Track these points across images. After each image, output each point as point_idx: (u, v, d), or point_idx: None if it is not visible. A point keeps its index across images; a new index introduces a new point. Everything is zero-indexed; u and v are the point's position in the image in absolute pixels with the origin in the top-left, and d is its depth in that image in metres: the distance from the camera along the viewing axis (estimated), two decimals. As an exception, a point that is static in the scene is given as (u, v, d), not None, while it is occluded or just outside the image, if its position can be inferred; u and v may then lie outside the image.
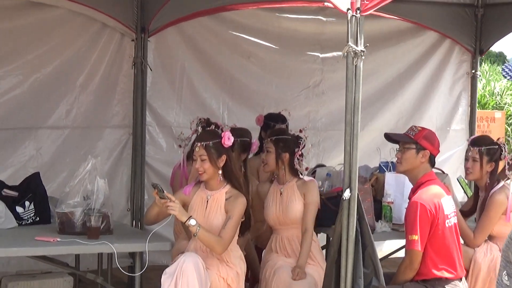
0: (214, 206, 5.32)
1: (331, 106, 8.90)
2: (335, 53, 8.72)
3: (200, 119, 6.85)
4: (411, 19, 8.86)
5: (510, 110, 19.65)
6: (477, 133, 9.68)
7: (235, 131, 6.31)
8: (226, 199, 5.32)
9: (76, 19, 7.63)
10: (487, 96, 20.13)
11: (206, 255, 5.25)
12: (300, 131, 6.08)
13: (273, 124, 7.25)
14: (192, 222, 5.03)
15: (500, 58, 34.14)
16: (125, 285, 7.10)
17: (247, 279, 6.94)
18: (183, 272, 4.99)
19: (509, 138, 8.35)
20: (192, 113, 8.07)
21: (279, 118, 7.36)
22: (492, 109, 19.02)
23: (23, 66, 7.46)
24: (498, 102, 20.12)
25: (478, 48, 9.24)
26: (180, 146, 6.76)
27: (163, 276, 5.07)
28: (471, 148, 6.04)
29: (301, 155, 5.96)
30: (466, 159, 6.08)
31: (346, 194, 4.86)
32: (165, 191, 5.03)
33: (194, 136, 6.54)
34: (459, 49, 9.34)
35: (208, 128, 5.85)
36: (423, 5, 8.84)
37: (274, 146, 5.90)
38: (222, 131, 6.45)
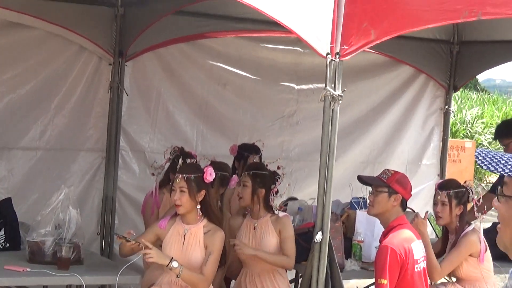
0: (192, 240, 5.33)
1: (305, 137, 8.93)
2: (311, 85, 8.77)
3: (174, 148, 6.86)
4: (387, 53, 8.91)
5: (480, 139, 19.84)
6: (447, 163, 9.78)
7: (215, 164, 6.33)
8: (204, 233, 5.34)
9: (53, 40, 7.58)
10: (458, 124, 20.32)
11: None
12: (278, 168, 6.11)
13: (246, 154, 7.29)
14: (175, 264, 5.07)
15: (472, 83, 34.39)
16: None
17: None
18: None
19: (475, 180, 8.44)
20: (166, 139, 8.09)
21: (253, 149, 7.39)
22: (463, 138, 19.20)
23: (-2, 86, 7.42)
24: (469, 131, 20.31)
25: (452, 84, 9.32)
26: (153, 174, 6.77)
27: None
28: (440, 192, 6.10)
29: (277, 191, 5.98)
30: (435, 204, 6.14)
31: (318, 237, 4.91)
32: (130, 236, 5.21)
33: (167, 164, 6.55)
34: (433, 84, 9.41)
35: (189, 161, 5.85)
36: (399, 39, 8.87)
37: (251, 181, 5.90)
38: (196, 161, 6.48)
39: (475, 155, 2.23)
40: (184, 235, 5.35)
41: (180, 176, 5.31)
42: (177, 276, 5.08)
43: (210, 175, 5.34)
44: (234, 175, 6.62)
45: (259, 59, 8.64)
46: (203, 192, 5.32)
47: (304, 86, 8.82)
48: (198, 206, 5.33)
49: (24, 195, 7.40)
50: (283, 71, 8.76)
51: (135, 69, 7.97)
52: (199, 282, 5.19)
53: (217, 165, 6.34)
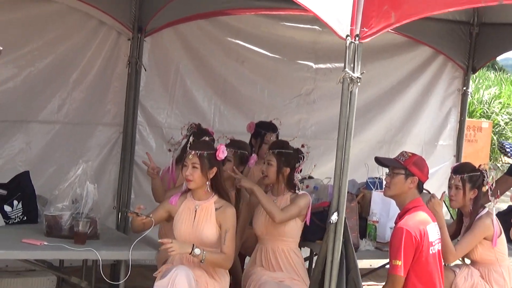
0: (203, 216, 5.37)
1: (322, 115, 8.94)
2: (329, 63, 8.77)
3: (191, 124, 6.88)
4: (406, 34, 8.89)
5: (497, 120, 19.75)
6: (464, 143, 9.78)
7: (234, 142, 6.38)
8: (216, 209, 5.37)
9: (73, 15, 7.58)
10: (475, 103, 20.23)
11: (194, 267, 5.30)
12: (302, 146, 6.11)
13: (263, 132, 7.29)
14: (197, 251, 5.12)
15: (490, 62, 34.04)
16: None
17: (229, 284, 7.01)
18: (175, 286, 5.03)
19: (490, 165, 8.42)
20: (183, 115, 8.11)
21: (270, 126, 7.39)
22: (479, 118, 19.12)
23: (18, 59, 7.41)
24: (485, 111, 20.22)
25: (471, 66, 9.30)
26: (169, 150, 6.79)
27: None
28: (454, 176, 6.11)
29: (301, 170, 6.00)
30: (449, 187, 6.15)
31: (334, 217, 4.92)
32: (140, 211, 5.29)
33: (184, 141, 6.57)
34: (451, 65, 9.39)
35: (203, 139, 5.87)
36: (419, 20, 8.77)
37: (276, 160, 5.91)
38: (213, 137, 6.52)
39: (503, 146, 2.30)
40: (195, 211, 5.38)
41: (193, 152, 5.34)
42: (201, 261, 5.13)
43: (222, 153, 5.36)
44: (253, 154, 6.64)
45: (277, 37, 8.63)
46: (214, 169, 5.36)
47: (322, 65, 8.82)
48: (208, 183, 5.36)
49: (41, 168, 7.44)
50: (301, 49, 8.75)
51: (153, 45, 7.98)
52: (222, 262, 5.27)
53: (236, 144, 6.38)
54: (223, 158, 5.41)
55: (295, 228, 5.88)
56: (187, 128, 6.80)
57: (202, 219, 5.36)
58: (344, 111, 4.90)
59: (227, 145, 6.31)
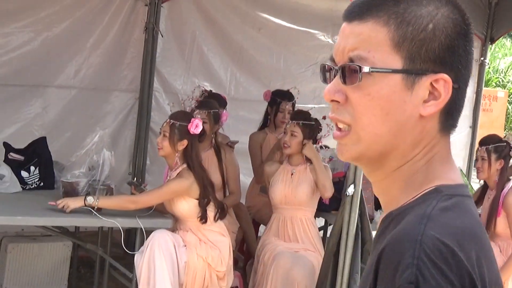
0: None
1: (338, 84, 8.91)
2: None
3: (202, 89, 6.91)
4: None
5: (512, 89, 19.67)
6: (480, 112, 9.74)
7: (204, 104, 6.40)
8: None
9: (91, -21, 7.60)
10: (491, 73, 20.13)
11: (184, 233, 5.37)
12: (324, 117, 6.09)
13: (279, 100, 7.27)
14: (89, 199, 5.19)
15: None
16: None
17: (242, 252, 7.05)
18: (149, 249, 5.09)
19: (506, 129, 8.38)
20: (200, 82, 8.10)
21: (286, 95, 7.37)
22: (495, 87, 19.05)
23: (35, 24, 7.40)
24: (501, 80, 20.13)
25: (489, 36, 9.22)
26: None
27: (136, 255, 5.18)
28: (479, 148, 6.16)
29: (321, 143, 6.01)
30: (476, 159, 6.19)
31: (350, 190, 4.92)
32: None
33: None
34: (469, 35, 9.32)
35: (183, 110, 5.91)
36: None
37: (302, 131, 5.90)
38: (225, 101, 6.53)
39: None
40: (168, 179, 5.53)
41: (168, 120, 5.36)
42: (93, 208, 5.18)
43: (195, 127, 5.31)
44: (224, 111, 6.60)
45: (294, 5, 8.58)
46: (184, 142, 5.35)
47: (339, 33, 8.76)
48: (177, 154, 5.37)
49: (57, 133, 7.45)
50: (318, 17, 8.71)
51: (171, 11, 7.96)
52: (123, 203, 5.39)
53: (206, 104, 6.36)
54: (197, 133, 5.36)
55: (314, 198, 5.90)
56: (200, 93, 6.81)
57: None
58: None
59: (197, 107, 6.31)
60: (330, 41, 8.79)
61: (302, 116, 6.05)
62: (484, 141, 6.20)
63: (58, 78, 7.61)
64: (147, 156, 7.94)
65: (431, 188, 1.37)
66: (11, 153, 5.95)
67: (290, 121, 6.06)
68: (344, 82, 1.38)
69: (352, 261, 4.96)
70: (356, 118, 1.37)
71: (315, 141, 5.94)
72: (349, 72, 1.37)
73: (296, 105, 7.18)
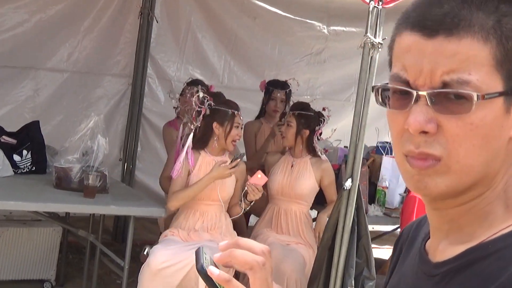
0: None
1: (331, 75, 8.88)
2: (341, 23, 8.67)
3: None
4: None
5: None
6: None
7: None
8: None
9: (87, -38, 7.52)
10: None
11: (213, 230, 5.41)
12: (323, 109, 6.05)
13: (271, 89, 7.19)
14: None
15: None
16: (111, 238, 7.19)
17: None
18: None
19: None
20: (193, 69, 8.06)
21: (278, 83, 7.28)
22: None
23: (29, 5, 7.33)
24: None
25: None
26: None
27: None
28: None
29: (321, 133, 5.96)
30: None
31: (348, 184, 4.89)
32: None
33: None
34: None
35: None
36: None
37: (296, 121, 5.86)
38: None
39: None
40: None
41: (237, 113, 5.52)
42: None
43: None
44: None
45: (291, -6, 8.54)
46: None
47: (334, 25, 8.73)
48: None
49: (48, 116, 7.40)
50: (315, 8, 8.65)
51: (166, -4, 7.90)
52: None
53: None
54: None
55: (312, 192, 5.85)
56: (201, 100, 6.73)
57: None
58: (363, 77, 4.85)
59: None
60: (326, 32, 8.74)
61: (299, 107, 6.01)
62: None
63: (50, 60, 7.56)
64: (138, 142, 7.87)
65: None
66: (3, 136, 5.86)
67: (288, 112, 6.02)
68: (441, 110, 1.17)
69: (347, 255, 4.93)
70: (452, 150, 1.17)
71: (314, 132, 5.88)
72: (448, 99, 1.16)
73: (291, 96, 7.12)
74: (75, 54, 7.62)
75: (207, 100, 5.44)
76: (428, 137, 1.18)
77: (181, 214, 5.51)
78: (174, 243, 5.22)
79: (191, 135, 5.45)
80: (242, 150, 6.87)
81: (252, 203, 5.43)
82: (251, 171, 6.86)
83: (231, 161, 5.34)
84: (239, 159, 5.33)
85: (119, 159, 7.85)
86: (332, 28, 8.73)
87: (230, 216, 5.59)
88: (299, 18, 8.59)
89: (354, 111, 4.93)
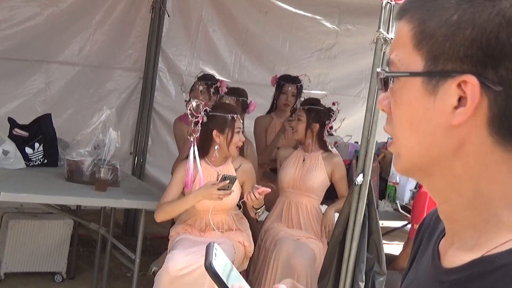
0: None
1: (341, 71, 8.88)
2: (351, 19, 8.66)
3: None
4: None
5: None
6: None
7: (234, 90, 6.36)
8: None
9: (99, -44, 7.53)
10: None
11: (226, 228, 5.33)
12: (333, 103, 6.06)
13: (282, 83, 7.21)
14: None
15: None
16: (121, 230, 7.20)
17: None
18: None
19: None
20: (204, 63, 8.06)
21: (289, 78, 7.29)
22: None
23: (41, -2, 7.37)
24: None
25: None
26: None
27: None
28: None
29: (331, 127, 5.97)
30: None
31: (359, 179, 4.89)
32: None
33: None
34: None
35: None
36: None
37: (306, 116, 5.88)
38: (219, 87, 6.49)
39: None
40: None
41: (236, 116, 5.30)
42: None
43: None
44: (252, 101, 6.56)
45: (302, -11, 8.53)
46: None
47: (345, 20, 8.71)
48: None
49: (59, 109, 7.39)
50: (326, 3, 8.64)
51: (178, -9, 7.91)
52: None
53: (236, 91, 6.35)
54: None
55: (323, 186, 5.86)
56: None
57: None
58: (375, 72, 4.81)
59: (226, 93, 6.30)
60: (336, 28, 8.73)
61: (309, 102, 6.04)
62: None
63: (62, 54, 7.57)
64: (149, 136, 7.88)
65: None
66: (15, 129, 5.88)
67: (298, 107, 6.05)
68: (386, 90, 1.21)
69: (358, 250, 4.93)
70: (393, 127, 1.20)
71: (324, 127, 5.89)
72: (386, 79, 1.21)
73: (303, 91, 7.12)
74: (86, 47, 7.63)
75: (203, 107, 5.21)
76: (388, 115, 1.22)
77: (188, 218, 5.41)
78: (190, 244, 5.12)
79: (194, 148, 5.18)
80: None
81: (260, 209, 5.21)
82: (261, 166, 6.90)
83: (220, 180, 4.97)
84: (227, 181, 4.93)
85: (129, 153, 7.86)
86: (343, 23, 8.72)
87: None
88: (310, 14, 8.58)
89: (366, 106, 4.94)
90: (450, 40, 1.10)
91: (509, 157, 1.13)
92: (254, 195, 4.97)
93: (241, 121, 5.31)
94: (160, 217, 5.13)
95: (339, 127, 6.19)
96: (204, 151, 5.21)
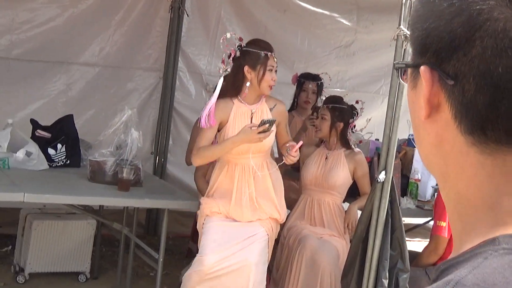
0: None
1: (360, 68, 8.88)
2: (370, 16, 8.66)
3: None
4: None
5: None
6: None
7: None
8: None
9: (117, -42, 7.56)
10: None
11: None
12: (357, 102, 6.06)
13: (302, 80, 7.21)
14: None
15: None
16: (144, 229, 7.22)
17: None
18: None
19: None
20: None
21: (309, 76, 7.29)
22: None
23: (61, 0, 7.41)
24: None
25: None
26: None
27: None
28: None
29: (354, 126, 5.97)
30: None
31: (381, 176, 4.89)
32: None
33: None
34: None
35: None
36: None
37: (330, 114, 5.88)
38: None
39: None
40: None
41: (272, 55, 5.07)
42: None
43: None
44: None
45: (320, -13, 8.53)
46: None
47: (363, 17, 8.71)
48: None
49: (80, 110, 7.42)
50: (344, 0, 8.65)
51: (197, -10, 7.92)
52: None
53: None
54: None
55: (345, 184, 5.86)
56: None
57: None
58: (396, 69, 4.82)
59: None
60: (355, 25, 8.73)
61: (332, 100, 6.04)
62: None
63: (82, 55, 7.61)
64: (169, 136, 7.91)
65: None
66: (38, 130, 5.93)
67: (322, 105, 6.05)
68: None
69: (381, 248, 4.93)
70: None
71: (348, 125, 5.90)
72: None
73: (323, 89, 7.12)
74: (106, 48, 7.67)
75: (238, 41, 5.02)
76: None
77: (216, 170, 5.20)
78: (220, 231, 5.01)
79: (221, 80, 5.03)
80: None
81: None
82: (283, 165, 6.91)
83: (259, 125, 4.76)
84: (267, 124, 4.74)
85: (150, 153, 7.89)
86: (361, 20, 8.72)
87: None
88: (328, 12, 8.59)
89: (388, 104, 4.94)
90: (421, 33, 1.07)
91: (485, 162, 1.04)
92: (292, 155, 4.89)
93: (275, 60, 5.04)
94: (197, 161, 5.07)
95: (365, 127, 6.19)
96: (236, 89, 5.01)
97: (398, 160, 6.33)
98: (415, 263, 5.27)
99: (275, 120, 4.86)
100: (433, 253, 5.23)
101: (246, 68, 4.93)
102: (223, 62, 5.02)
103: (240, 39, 5.08)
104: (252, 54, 4.96)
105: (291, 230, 5.79)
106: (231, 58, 4.97)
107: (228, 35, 5.01)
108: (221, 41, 5.01)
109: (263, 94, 5.06)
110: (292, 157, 4.90)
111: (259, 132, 4.74)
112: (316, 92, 7.00)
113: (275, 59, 5.01)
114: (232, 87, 4.99)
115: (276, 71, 5.02)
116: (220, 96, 4.98)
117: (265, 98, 5.10)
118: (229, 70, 5.00)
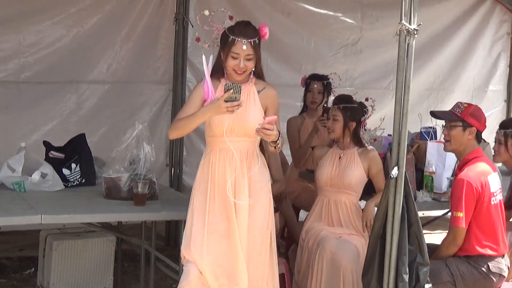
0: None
1: (368, 65, 8.89)
2: (374, 12, 8.66)
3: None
4: (452, -22, 8.78)
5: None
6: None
7: None
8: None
9: (119, -26, 7.60)
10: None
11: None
12: (366, 99, 6.05)
13: (309, 81, 7.21)
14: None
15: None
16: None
17: (283, 238, 7.03)
18: None
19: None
20: (231, 70, 8.08)
21: (315, 75, 7.29)
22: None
23: (65, 20, 7.47)
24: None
25: (520, 9, 9.16)
26: None
27: None
28: (498, 131, 6.01)
29: (365, 124, 5.98)
30: (495, 141, 6.05)
31: (394, 172, 4.88)
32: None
33: None
34: (500, 8, 9.26)
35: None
36: (466, -37, 8.76)
37: (342, 115, 5.88)
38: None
39: None
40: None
41: (246, 41, 4.73)
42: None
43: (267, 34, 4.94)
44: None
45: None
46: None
47: (368, 14, 8.72)
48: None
49: (93, 128, 7.49)
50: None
51: (200, 0, 7.92)
52: None
53: None
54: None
55: (360, 182, 5.86)
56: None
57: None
58: (401, 64, 4.81)
59: None
60: (360, 22, 8.74)
61: (342, 100, 6.01)
62: (503, 124, 6.05)
63: (91, 73, 7.67)
64: (183, 147, 7.94)
65: None
66: (51, 152, 5.96)
67: (332, 106, 6.04)
68: None
69: (399, 243, 4.92)
70: None
71: (360, 124, 5.90)
72: None
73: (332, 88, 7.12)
74: (114, 64, 7.72)
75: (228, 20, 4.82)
76: None
77: (205, 156, 4.90)
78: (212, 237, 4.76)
79: (203, 58, 4.74)
80: (286, 145, 6.89)
81: (278, 141, 4.54)
82: (295, 169, 6.93)
83: (224, 91, 4.42)
84: (231, 90, 4.36)
85: (165, 165, 7.93)
86: (366, 17, 8.73)
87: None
88: (332, 12, 8.62)
89: (395, 99, 4.91)
90: None
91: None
92: (265, 128, 4.42)
93: (245, 48, 4.66)
94: (173, 134, 4.80)
95: (379, 126, 6.18)
96: (219, 69, 4.74)
97: (411, 154, 6.32)
98: (434, 256, 5.26)
99: (239, 86, 4.43)
100: (452, 244, 5.21)
101: (219, 50, 4.73)
102: (197, 39, 4.87)
103: (230, 18, 4.88)
104: (223, 37, 4.75)
105: (309, 232, 5.79)
106: (213, 36, 4.80)
107: (207, 12, 4.81)
108: (197, 17, 4.87)
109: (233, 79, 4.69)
110: (265, 130, 4.42)
111: (227, 101, 4.38)
112: (323, 92, 7.02)
113: (244, 47, 4.66)
114: (216, 67, 4.78)
115: (248, 60, 4.67)
116: (211, 75, 4.74)
117: (254, 80, 4.81)
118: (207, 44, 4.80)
